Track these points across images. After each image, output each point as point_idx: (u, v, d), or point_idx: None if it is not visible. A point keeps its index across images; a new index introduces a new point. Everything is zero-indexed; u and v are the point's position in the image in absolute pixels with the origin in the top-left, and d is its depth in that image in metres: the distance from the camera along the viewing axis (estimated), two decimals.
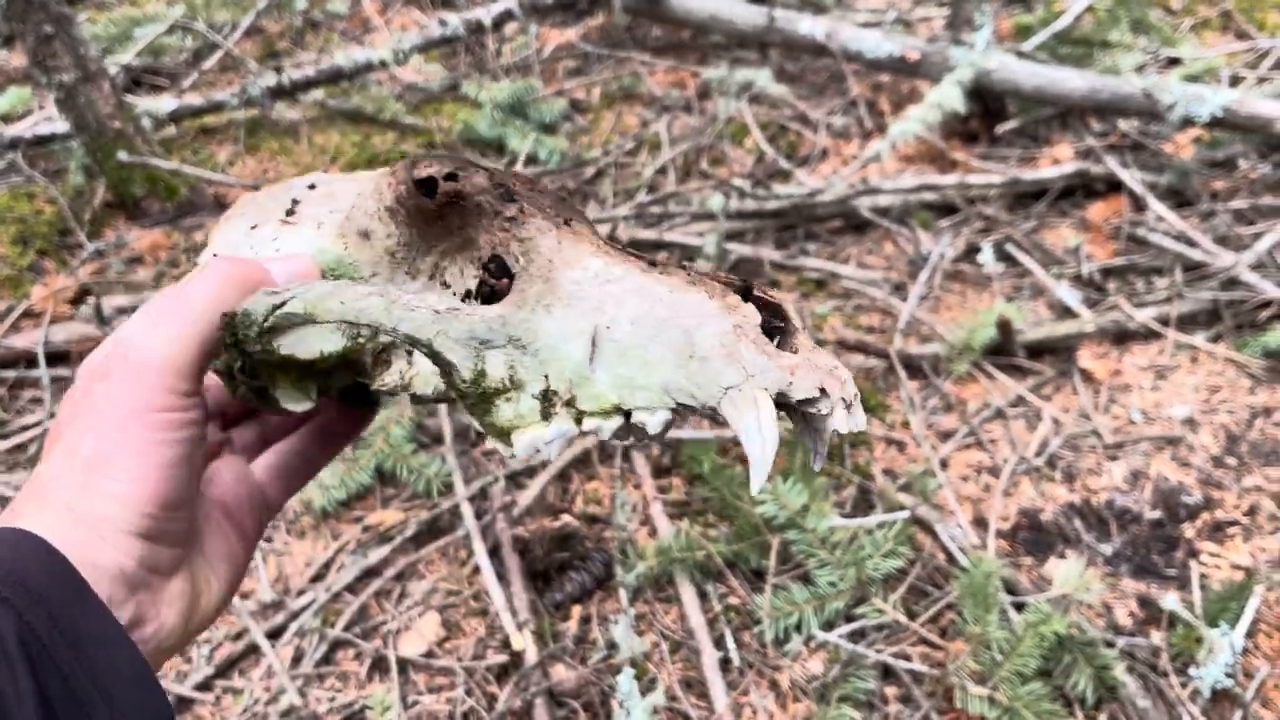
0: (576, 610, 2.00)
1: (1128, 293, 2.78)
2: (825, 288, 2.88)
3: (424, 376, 0.65)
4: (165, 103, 3.43)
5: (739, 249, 2.93)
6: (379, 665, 1.91)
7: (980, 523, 2.16)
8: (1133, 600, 1.98)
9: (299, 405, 0.68)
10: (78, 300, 2.77)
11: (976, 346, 2.51)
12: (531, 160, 3.47)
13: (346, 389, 0.72)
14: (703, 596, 1.99)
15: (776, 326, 0.67)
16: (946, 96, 3.13)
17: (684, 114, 3.76)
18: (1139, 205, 3.02)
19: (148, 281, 2.88)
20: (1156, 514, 2.17)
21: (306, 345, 0.65)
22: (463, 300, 0.70)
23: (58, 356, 2.59)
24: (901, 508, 2.10)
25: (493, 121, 3.58)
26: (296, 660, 1.93)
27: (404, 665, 1.90)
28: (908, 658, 1.86)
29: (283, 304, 0.64)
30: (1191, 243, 2.82)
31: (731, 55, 4.10)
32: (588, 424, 0.62)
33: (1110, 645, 1.84)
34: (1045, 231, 3.08)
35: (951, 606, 1.94)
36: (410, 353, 0.66)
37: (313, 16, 4.40)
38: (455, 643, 1.95)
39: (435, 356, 0.63)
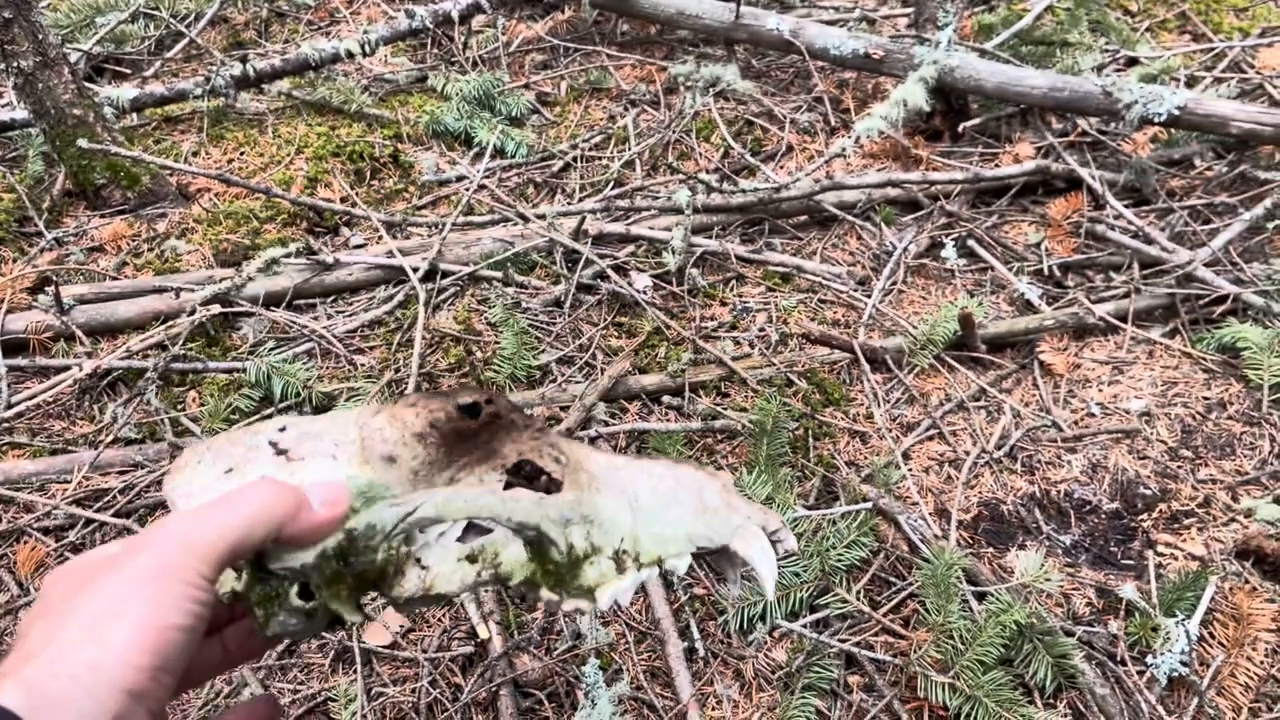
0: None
1: (1087, 288, 2.82)
2: (791, 282, 2.90)
3: (445, 575, 0.75)
4: (127, 91, 3.38)
5: (705, 243, 2.94)
6: (343, 656, 1.91)
7: (942, 514, 2.19)
8: (1091, 590, 2.02)
9: (358, 617, 0.75)
10: (36, 289, 2.73)
11: (939, 340, 2.54)
12: (499, 152, 3.46)
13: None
14: (668, 587, 2.00)
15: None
16: (910, 94, 3.16)
17: (651, 109, 3.77)
18: (1098, 202, 3.06)
19: (109, 271, 2.84)
20: (1114, 505, 2.21)
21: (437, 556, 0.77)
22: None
23: (15, 346, 2.55)
24: (865, 499, 2.12)
25: (460, 114, 3.57)
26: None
27: (368, 656, 1.90)
28: (871, 647, 1.88)
29: (413, 510, 0.74)
30: (1149, 240, 2.87)
31: (698, 51, 4.10)
32: (644, 574, 0.79)
33: (1069, 634, 1.87)
34: (1007, 228, 3.12)
35: (914, 596, 1.96)
36: (420, 562, 0.75)
37: (279, 7, 4.36)
38: (420, 634, 1.94)
39: (540, 536, 0.76)
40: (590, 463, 0.85)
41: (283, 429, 0.84)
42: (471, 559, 0.75)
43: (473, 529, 0.78)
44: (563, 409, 2.38)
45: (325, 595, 0.72)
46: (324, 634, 1.91)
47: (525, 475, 0.83)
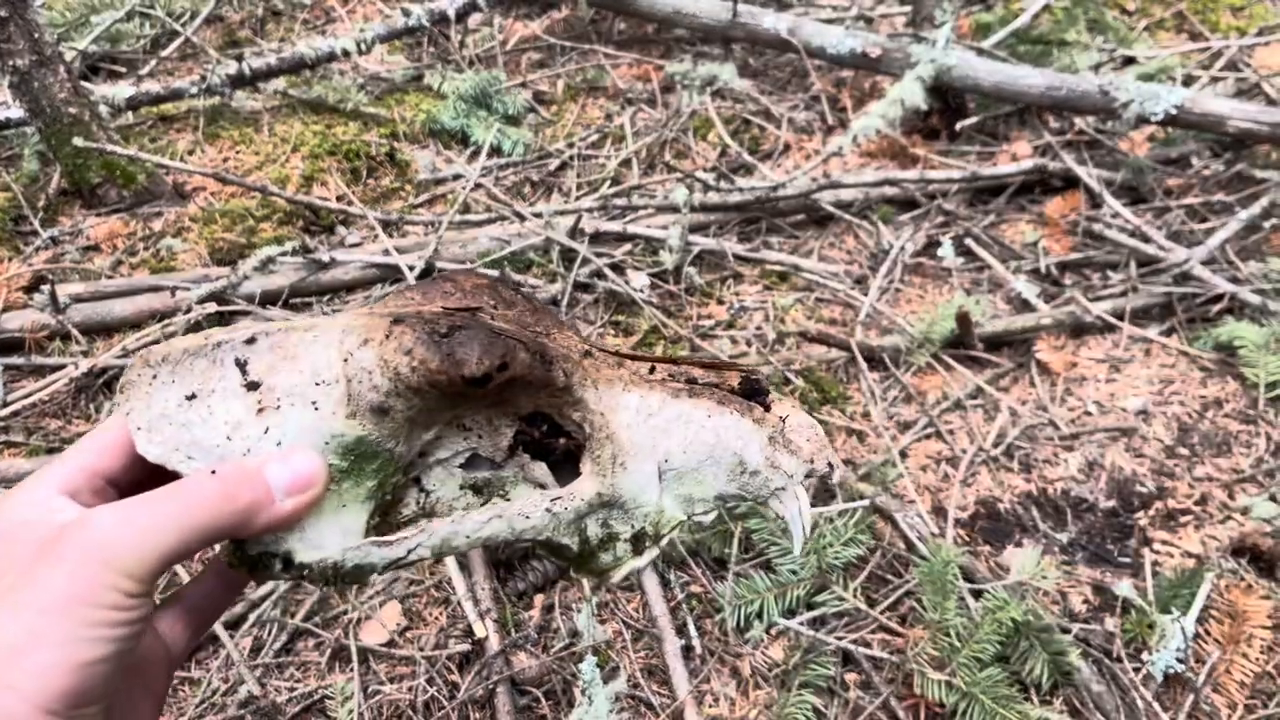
0: (539, 599, 2.00)
1: (1084, 287, 2.82)
2: (788, 280, 2.90)
3: (445, 502, 0.74)
4: (123, 89, 3.38)
5: (703, 241, 2.94)
6: (340, 655, 1.90)
7: (939, 512, 2.19)
8: (1087, 587, 2.02)
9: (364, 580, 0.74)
10: (32, 288, 2.72)
11: (936, 339, 2.54)
12: (495, 151, 3.46)
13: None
14: (665, 585, 2.00)
15: (759, 388, 0.83)
16: (908, 93, 3.16)
17: (648, 107, 3.77)
18: (1095, 201, 3.06)
19: (104, 269, 2.84)
20: (1111, 503, 2.21)
21: (348, 510, 0.70)
22: (507, 449, 0.76)
23: (11, 344, 2.54)
24: (862, 497, 2.12)
25: (456, 112, 3.57)
26: (256, 650, 1.91)
27: (365, 655, 1.89)
28: (868, 644, 1.88)
29: (407, 554, 0.70)
30: (1146, 238, 2.87)
31: (695, 50, 4.10)
32: (664, 542, 0.77)
33: (1065, 631, 1.87)
34: (1004, 226, 3.12)
35: (911, 594, 1.96)
36: (427, 491, 0.74)
37: (274, 5, 4.36)
38: (417, 632, 1.94)
39: (551, 546, 0.74)
40: (616, 415, 0.74)
41: (251, 339, 0.68)
42: (476, 489, 0.75)
43: (471, 461, 0.75)
44: None
45: (314, 575, 0.68)
46: (318, 628, 1.91)
47: (540, 430, 0.75)
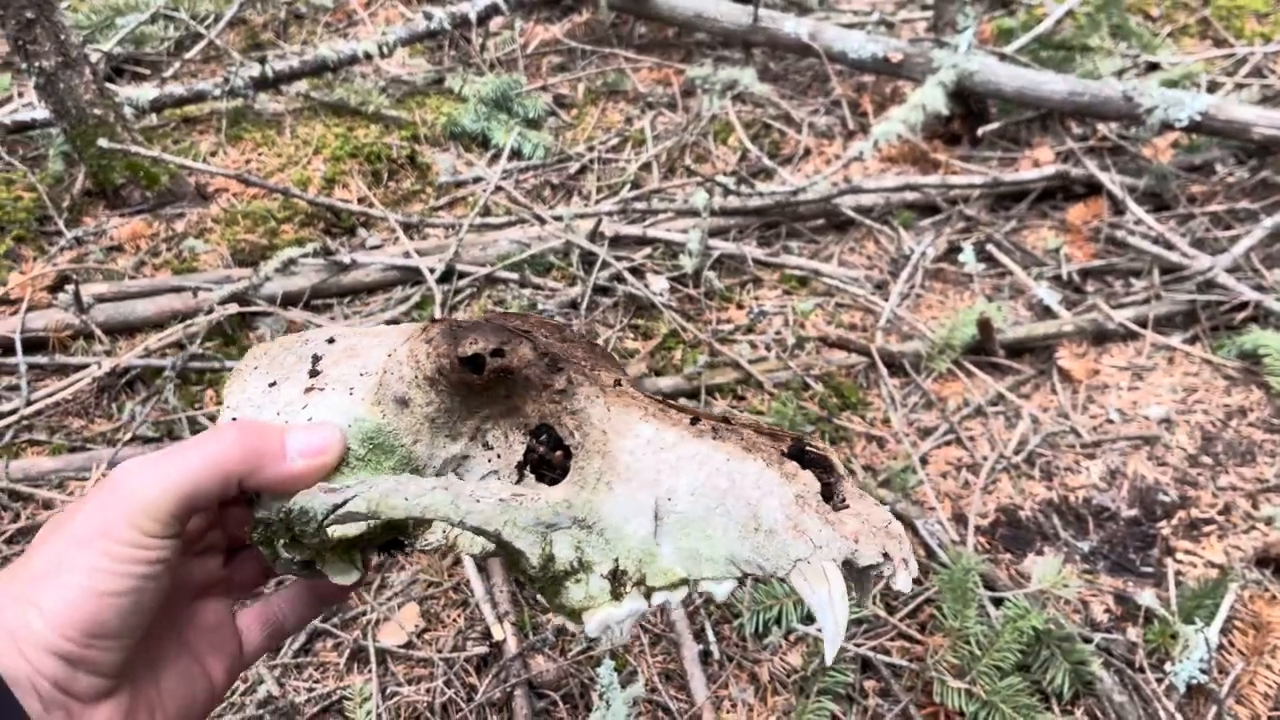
0: None
1: (1106, 294, 2.81)
2: (808, 285, 2.89)
3: (469, 538, 0.66)
4: (147, 91, 3.40)
5: (723, 245, 2.94)
6: (358, 656, 1.91)
7: (960, 519, 2.18)
8: (1109, 597, 2.00)
9: (348, 578, 0.69)
10: (56, 288, 2.74)
11: (957, 345, 2.53)
12: (516, 154, 3.46)
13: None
14: None
15: (827, 481, 0.69)
16: (929, 98, 3.15)
17: (668, 111, 3.77)
18: (1118, 208, 3.04)
19: (128, 270, 2.86)
20: (1133, 512, 2.19)
21: (357, 524, 0.66)
22: (517, 469, 0.71)
23: (35, 343, 2.56)
24: (882, 503, 2.10)
25: (477, 115, 3.58)
26: (274, 650, 1.92)
27: (383, 656, 1.90)
28: (887, 652, 1.87)
29: (344, 503, 0.66)
30: (1169, 245, 2.85)
31: (716, 54, 4.10)
32: (656, 598, 0.64)
33: (1087, 641, 1.85)
34: (1025, 232, 3.11)
35: (931, 601, 1.95)
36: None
37: (297, 8, 4.38)
38: (435, 634, 1.94)
39: (504, 546, 0.65)
40: (621, 439, 0.68)
41: (331, 340, 0.75)
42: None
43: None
44: None
45: (308, 552, 0.68)
46: (336, 628, 1.91)
47: (545, 444, 0.72)
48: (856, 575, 0.67)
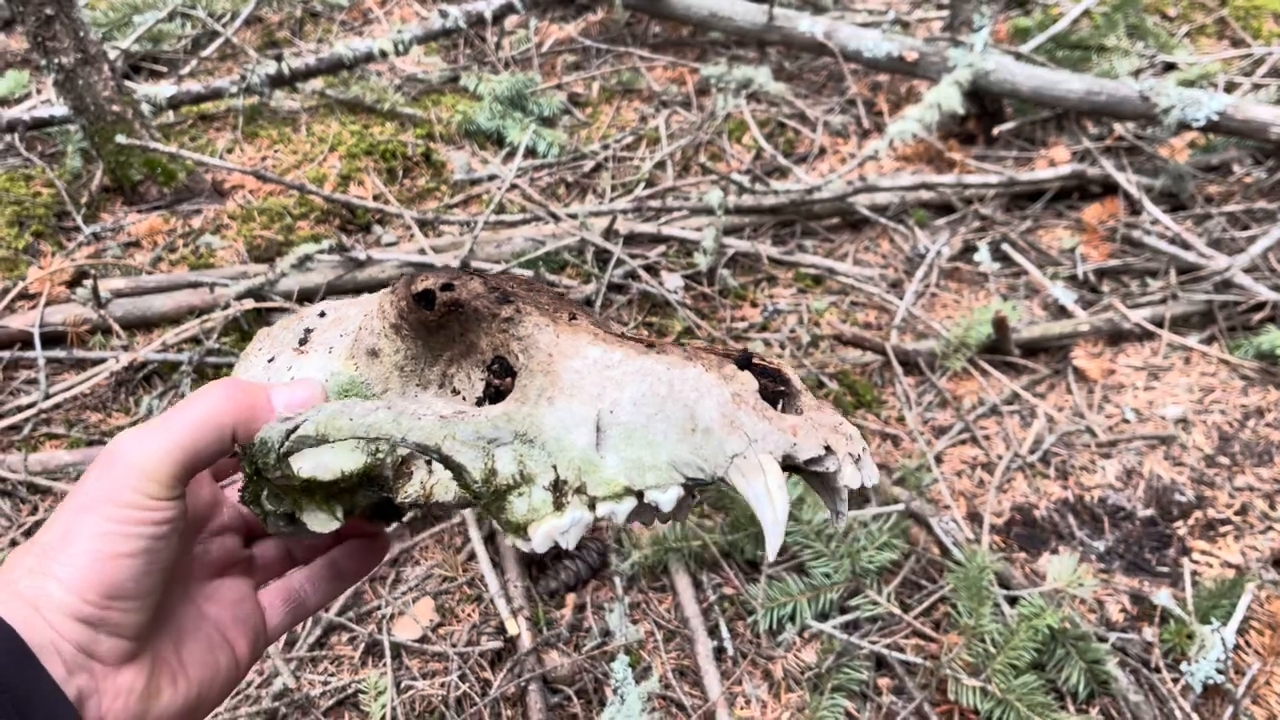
0: (571, 598, 2.00)
1: (1122, 294, 2.80)
2: (822, 283, 2.89)
3: (444, 484, 0.66)
4: (164, 88, 3.42)
5: (737, 244, 2.94)
6: (373, 650, 1.91)
7: (974, 518, 2.17)
8: (1125, 596, 2.00)
9: (327, 526, 0.69)
10: (74, 283, 2.76)
11: (972, 344, 2.52)
12: (531, 152, 3.47)
13: (373, 506, 0.73)
14: (697, 586, 2.00)
15: (779, 391, 0.69)
16: (945, 97, 3.14)
17: (683, 110, 3.77)
18: (1134, 208, 3.03)
19: (145, 265, 2.87)
20: (1149, 512, 2.19)
21: (326, 466, 0.66)
22: (477, 405, 0.71)
23: (54, 338, 2.58)
24: (896, 501, 2.10)
25: (492, 114, 3.58)
26: (290, 644, 1.93)
27: (398, 650, 1.90)
28: (901, 649, 1.87)
29: (295, 428, 0.66)
30: (1186, 245, 2.84)
31: (730, 53, 4.10)
32: (601, 509, 0.63)
33: (1103, 640, 1.85)
34: (1041, 232, 3.10)
35: (945, 600, 1.95)
36: (430, 462, 0.67)
37: (312, 6, 4.40)
38: (449, 628, 1.95)
39: (446, 461, 0.65)
40: (567, 360, 0.68)
41: (322, 314, 0.78)
42: None
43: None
44: None
45: (287, 503, 0.69)
46: (352, 622, 1.92)
47: (497, 373, 0.72)
48: (816, 478, 0.67)
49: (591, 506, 0.63)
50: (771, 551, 0.61)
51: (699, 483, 0.63)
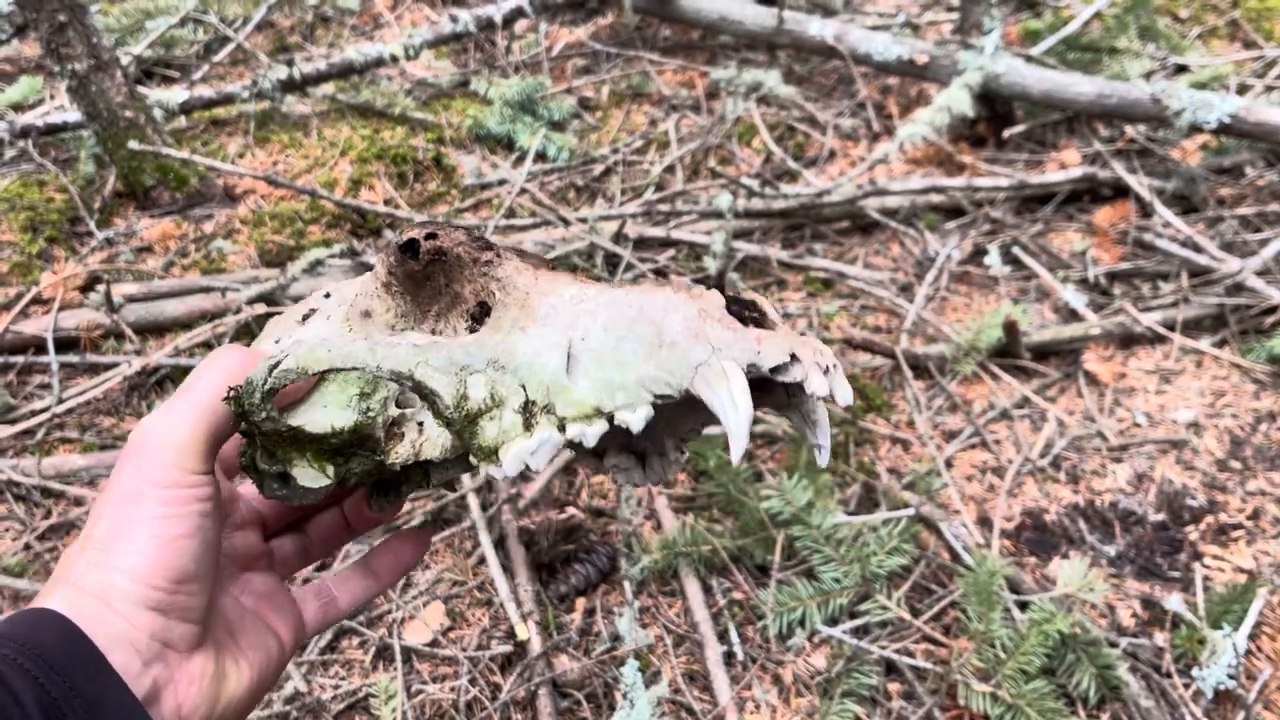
0: (581, 602, 2.00)
1: (1133, 297, 2.79)
2: (832, 287, 2.89)
3: (432, 441, 0.67)
4: (176, 94, 3.44)
5: (746, 247, 2.94)
6: (383, 654, 1.92)
7: (985, 522, 2.17)
8: (1136, 601, 1.99)
9: (317, 482, 0.69)
10: (87, 288, 2.77)
11: (982, 347, 2.52)
12: (541, 156, 3.48)
13: (374, 485, 0.75)
14: (707, 591, 2.00)
15: (753, 317, 0.70)
16: (955, 100, 3.14)
17: (692, 113, 3.77)
18: (1146, 211, 3.02)
19: (157, 270, 2.89)
20: (1160, 516, 2.18)
21: (316, 419, 0.67)
22: None
23: (67, 343, 2.60)
24: (906, 506, 2.10)
25: (502, 118, 3.59)
26: (301, 648, 1.93)
27: (408, 654, 1.91)
28: (911, 654, 1.87)
29: (277, 363, 0.66)
30: (1198, 248, 2.83)
31: (740, 56, 4.10)
32: (571, 430, 0.63)
33: (1114, 645, 1.84)
34: (1052, 235, 3.09)
35: (955, 604, 1.95)
36: (421, 425, 0.68)
37: (324, 11, 4.42)
38: (460, 632, 1.95)
39: (419, 387, 0.66)
40: (543, 297, 0.69)
41: (327, 295, 0.79)
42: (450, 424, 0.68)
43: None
44: None
45: (282, 459, 0.69)
46: (362, 626, 1.92)
47: (476, 316, 0.73)
48: (794, 408, 0.69)
49: (561, 428, 0.63)
50: (735, 455, 0.62)
51: (667, 399, 0.63)
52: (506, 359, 0.65)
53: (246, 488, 0.79)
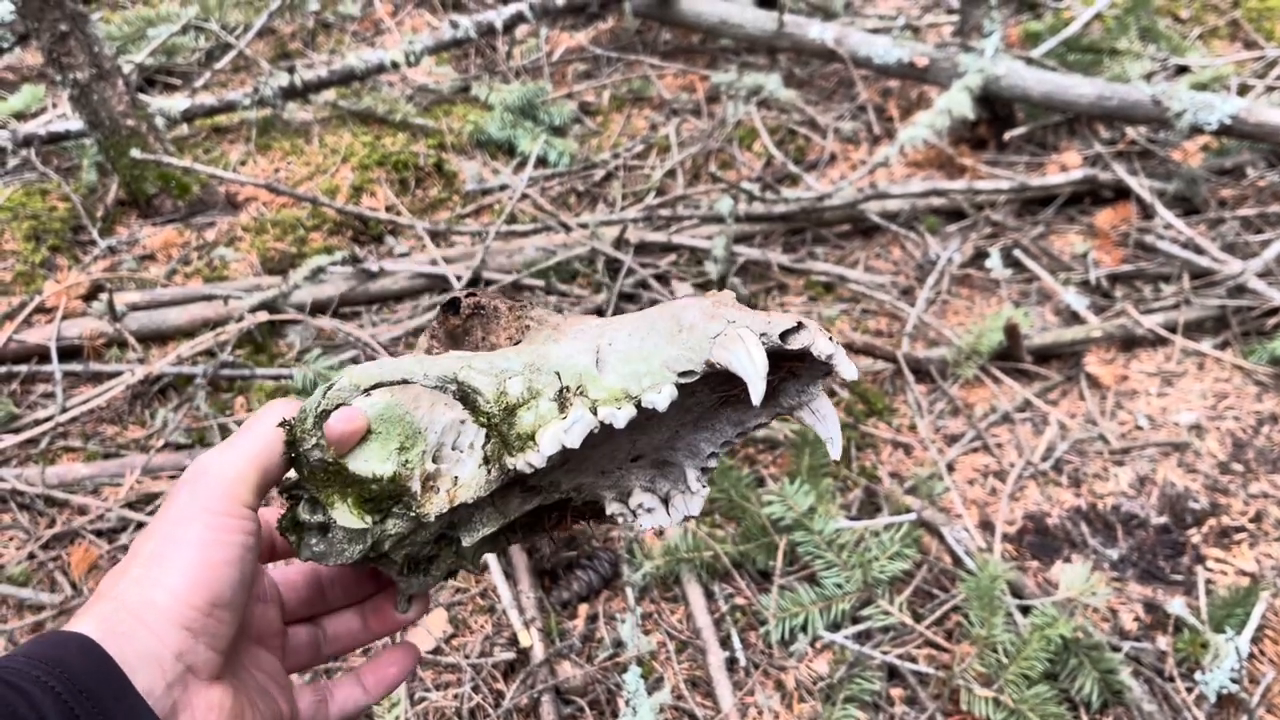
0: (583, 609, 2.00)
1: (1135, 299, 2.79)
2: (833, 291, 2.89)
3: (468, 486, 0.71)
4: (178, 102, 3.45)
5: (747, 252, 2.94)
6: None
7: (986, 526, 2.17)
8: (1139, 605, 1.99)
9: (356, 524, 0.71)
10: (90, 296, 2.78)
11: (984, 351, 2.52)
12: (542, 161, 3.48)
13: (405, 561, 0.77)
14: (709, 596, 2.00)
15: (761, 308, 0.78)
16: (955, 102, 3.14)
17: (693, 117, 3.77)
18: (1147, 212, 3.02)
19: (159, 278, 2.90)
20: (1163, 519, 2.18)
21: (361, 461, 0.70)
22: None
23: (70, 351, 2.61)
24: (908, 510, 2.10)
25: (503, 123, 3.60)
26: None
27: None
28: (913, 659, 1.87)
29: (331, 386, 0.71)
30: (1199, 250, 2.82)
31: (741, 60, 4.11)
32: (602, 412, 0.68)
33: (1116, 649, 1.84)
34: (1053, 238, 3.09)
35: (957, 609, 1.95)
36: (456, 478, 0.71)
37: (324, 18, 4.42)
38: (462, 639, 1.96)
39: (462, 388, 0.71)
40: (570, 325, 0.77)
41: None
42: (486, 460, 0.71)
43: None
44: None
45: (322, 500, 0.71)
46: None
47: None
48: (805, 405, 0.76)
49: (593, 411, 0.68)
50: (756, 397, 0.66)
51: (689, 375, 0.69)
52: (541, 362, 0.71)
53: (276, 569, 0.83)
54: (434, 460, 0.72)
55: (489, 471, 0.71)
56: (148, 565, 0.64)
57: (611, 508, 0.79)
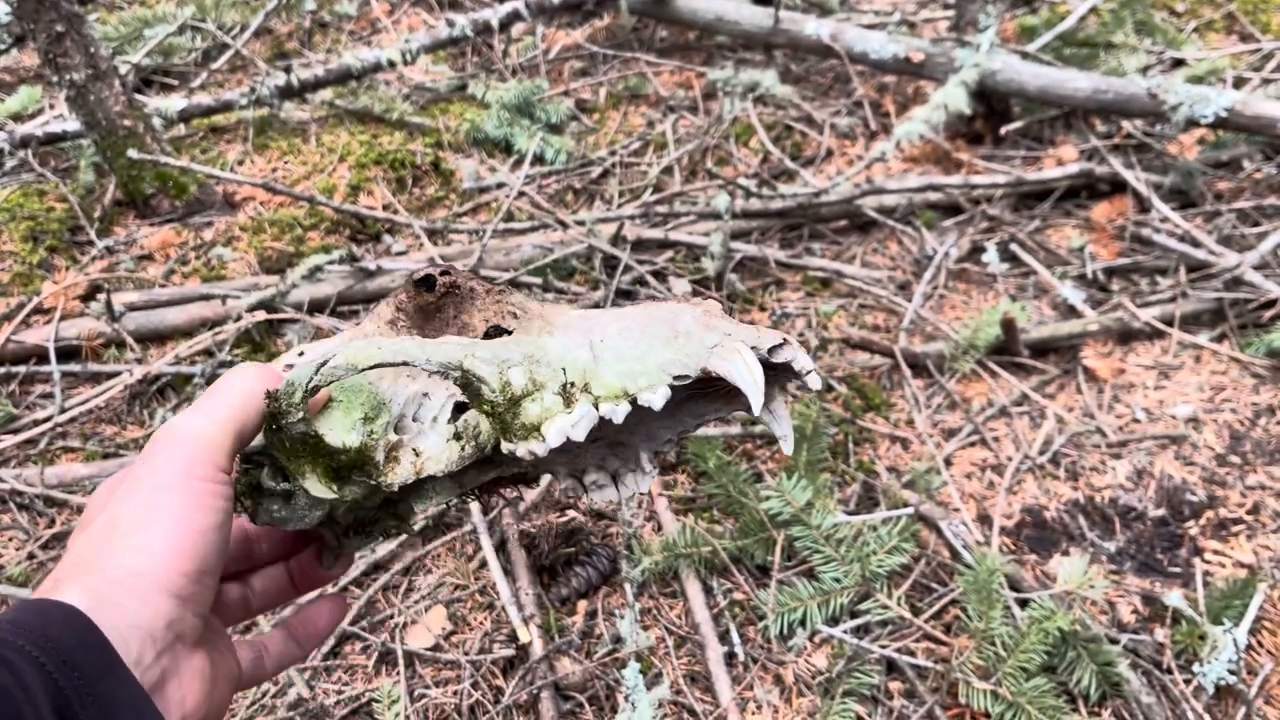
0: (582, 605, 2.01)
1: (1132, 292, 2.79)
2: (830, 287, 2.89)
3: (434, 456, 0.72)
4: (175, 102, 3.45)
5: (744, 248, 2.94)
6: (386, 658, 1.93)
7: (984, 520, 2.17)
8: (1136, 597, 1.99)
9: (325, 492, 0.71)
10: (88, 297, 2.78)
11: (981, 345, 2.52)
12: (539, 159, 3.48)
13: (350, 526, 0.79)
14: (708, 592, 2.00)
15: (747, 321, 0.80)
16: (951, 97, 3.14)
17: (689, 114, 3.78)
18: (1143, 206, 3.03)
19: (157, 278, 2.90)
20: (1160, 512, 2.18)
21: (334, 430, 0.71)
22: None
23: (68, 352, 2.61)
24: (906, 505, 2.11)
25: (500, 121, 3.60)
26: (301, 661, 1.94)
27: (411, 658, 1.92)
28: (912, 653, 1.87)
29: (325, 361, 0.70)
30: (1196, 243, 2.83)
31: (737, 56, 4.11)
32: (604, 408, 0.70)
33: (1114, 642, 1.85)
34: (1049, 231, 3.09)
35: (955, 603, 1.95)
36: (417, 451, 0.72)
37: (321, 17, 4.42)
38: (462, 636, 1.96)
39: (466, 376, 0.71)
40: (554, 317, 0.79)
41: (301, 354, 0.82)
42: (457, 436, 0.72)
43: (460, 410, 0.76)
44: None
45: (291, 470, 0.71)
46: (365, 631, 1.93)
47: (492, 336, 0.79)
48: (769, 413, 0.78)
49: (596, 405, 0.70)
50: (756, 407, 0.71)
51: (684, 379, 0.72)
52: (540, 355, 0.73)
53: None
54: (395, 431, 0.73)
55: (463, 448, 0.72)
56: (130, 533, 0.63)
57: (564, 483, 0.81)
